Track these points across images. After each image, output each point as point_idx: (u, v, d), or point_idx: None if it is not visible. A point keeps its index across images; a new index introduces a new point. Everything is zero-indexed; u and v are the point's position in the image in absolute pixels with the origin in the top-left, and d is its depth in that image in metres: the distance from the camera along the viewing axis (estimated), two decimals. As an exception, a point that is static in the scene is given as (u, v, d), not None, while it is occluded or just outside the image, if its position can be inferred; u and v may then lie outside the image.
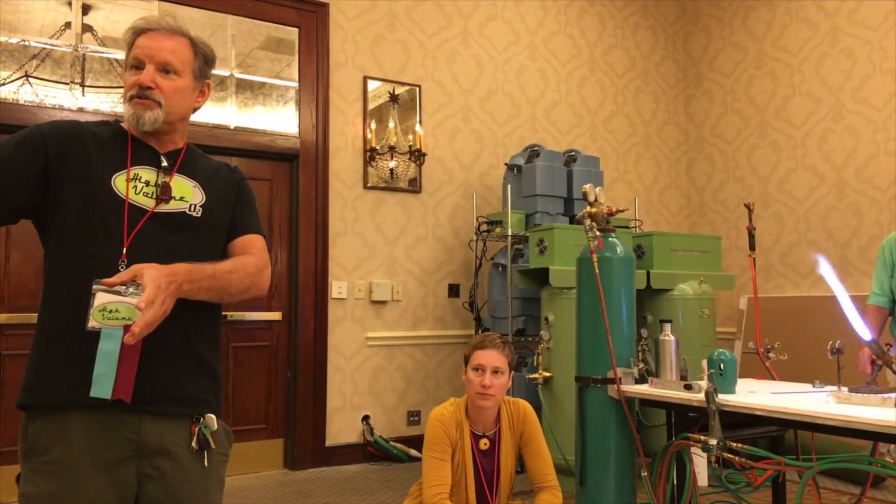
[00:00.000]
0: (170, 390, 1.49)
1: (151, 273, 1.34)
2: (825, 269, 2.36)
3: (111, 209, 1.49)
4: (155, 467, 1.47)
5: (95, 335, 1.35)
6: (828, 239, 5.16)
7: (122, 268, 1.42)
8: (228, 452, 1.63)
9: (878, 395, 2.09)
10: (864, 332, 2.40)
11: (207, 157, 1.72)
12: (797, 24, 5.44)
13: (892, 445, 2.60)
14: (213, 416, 1.53)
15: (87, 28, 4.08)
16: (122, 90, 4.26)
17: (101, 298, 1.34)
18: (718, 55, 6.05)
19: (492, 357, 2.56)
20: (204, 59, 1.65)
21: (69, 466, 1.41)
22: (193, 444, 1.51)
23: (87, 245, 1.47)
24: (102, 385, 1.36)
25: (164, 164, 1.58)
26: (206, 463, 1.52)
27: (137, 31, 1.58)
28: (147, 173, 1.55)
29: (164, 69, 1.56)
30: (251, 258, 1.61)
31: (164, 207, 1.54)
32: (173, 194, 1.56)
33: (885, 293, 3.08)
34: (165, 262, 1.40)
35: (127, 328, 1.34)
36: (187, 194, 1.58)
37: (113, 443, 1.44)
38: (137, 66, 1.56)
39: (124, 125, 1.61)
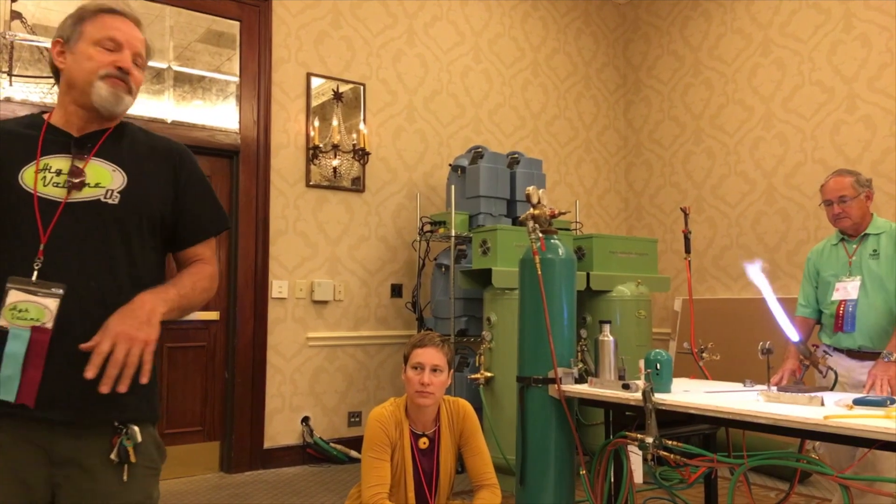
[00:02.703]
0: (92, 395, 1.40)
1: (113, 326, 1.35)
2: (756, 275, 2.44)
3: (21, 205, 1.41)
4: (66, 476, 1.40)
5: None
6: (758, 243, 5.35)
7: (38, 265, 1.37)
8: (159, 466, 1.54)
9: (805, 395, 2.17)
10: (792, 333, 2.50)
11: (149, 134, 1.62)
12: (732, 35, 5.62)
13: (818, 442, 2.71)
14: (137, 428, 1.44)
15: (15, 15, 3.90)
16: (52, 80, 4.09)
17: (12, 297, 1.31)
18: (657, 63, 6.20)
19: (431, 355, 2.55)
20: (148, 54, 1.64)
21: None
22: (113, 456, 1.42)
23: (3, 241, 1.41)
24: (7, 387, 1.32)
25: (76, 149, 1.49)
26: (125, 477, 1.43)
27: (105, 9, 1.54)
28: (58, 162, 1.46)
29: (135, 61, 1.55)
30: (206, 268, 1.61)
31: (77, 196, 1.44)
32: (88, 181, 1.45)
33: (810, 304, 3.20)
34: (83, 253, 1.37)
35: (35, 329, 1.31)
36: (104, 179, 1.47)
37: (23, 447, 1.38)
38: (113, 48, 1.51)
39: (46, 115, 1.54)
